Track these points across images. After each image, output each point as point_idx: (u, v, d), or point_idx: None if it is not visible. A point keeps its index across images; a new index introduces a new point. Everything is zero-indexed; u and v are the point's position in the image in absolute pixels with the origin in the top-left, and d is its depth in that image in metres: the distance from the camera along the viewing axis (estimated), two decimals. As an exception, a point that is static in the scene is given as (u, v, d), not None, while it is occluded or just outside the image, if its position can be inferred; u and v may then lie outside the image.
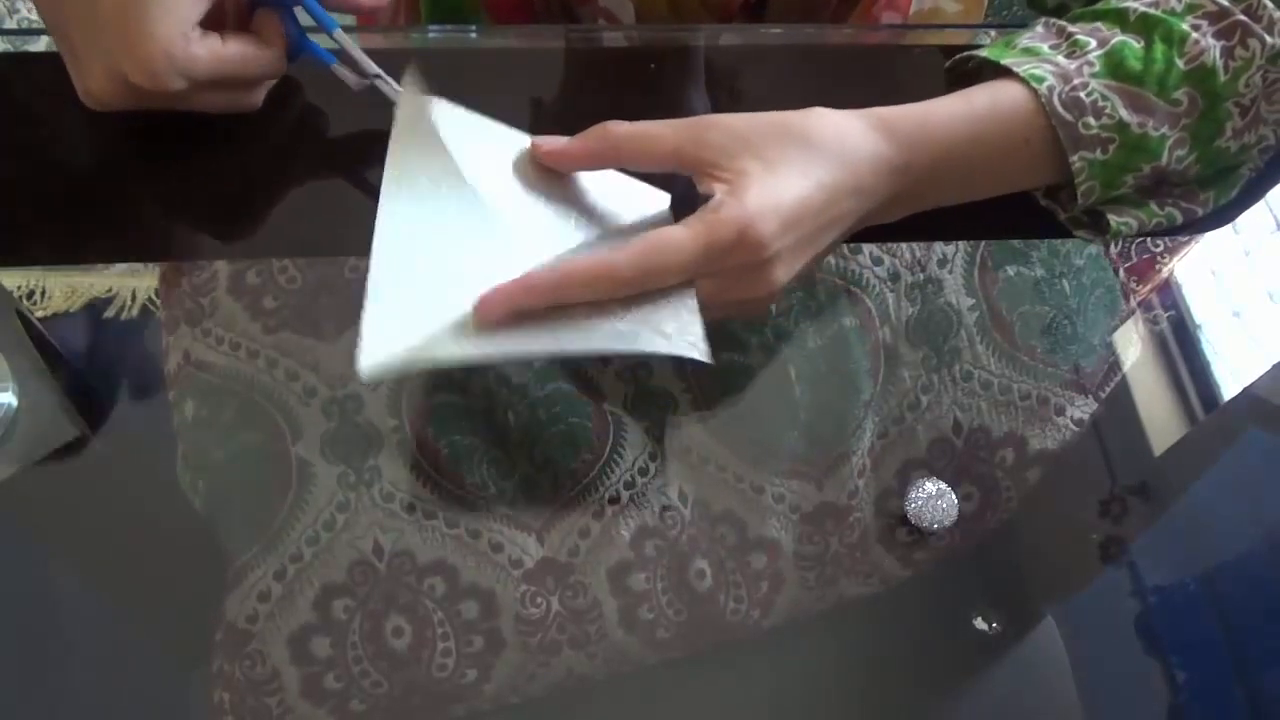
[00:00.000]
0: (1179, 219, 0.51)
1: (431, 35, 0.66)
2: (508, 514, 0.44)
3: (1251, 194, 0.54)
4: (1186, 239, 0.56)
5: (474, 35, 0.61)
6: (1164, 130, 0.48)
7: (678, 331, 0.42)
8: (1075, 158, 0.47)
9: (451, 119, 0.46)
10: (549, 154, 0.46)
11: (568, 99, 0.57)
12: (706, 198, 0.43)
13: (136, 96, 0.46)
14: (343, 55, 0.50)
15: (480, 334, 0.41)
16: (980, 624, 0.44)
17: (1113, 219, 0.50)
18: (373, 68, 0.49)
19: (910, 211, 0.49)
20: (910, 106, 0.48)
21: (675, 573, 0.44)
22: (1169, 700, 0.44)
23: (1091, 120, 0.47)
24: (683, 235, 0.41)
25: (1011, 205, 0.53)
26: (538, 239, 0.45)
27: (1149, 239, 0.55)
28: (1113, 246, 0.55)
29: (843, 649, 0.45)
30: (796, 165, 0.44)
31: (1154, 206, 0.51)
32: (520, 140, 0.47)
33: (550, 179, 0.47)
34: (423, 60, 0.59)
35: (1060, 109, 0.47)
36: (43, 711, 0.40)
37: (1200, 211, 0.52)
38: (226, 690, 0.40)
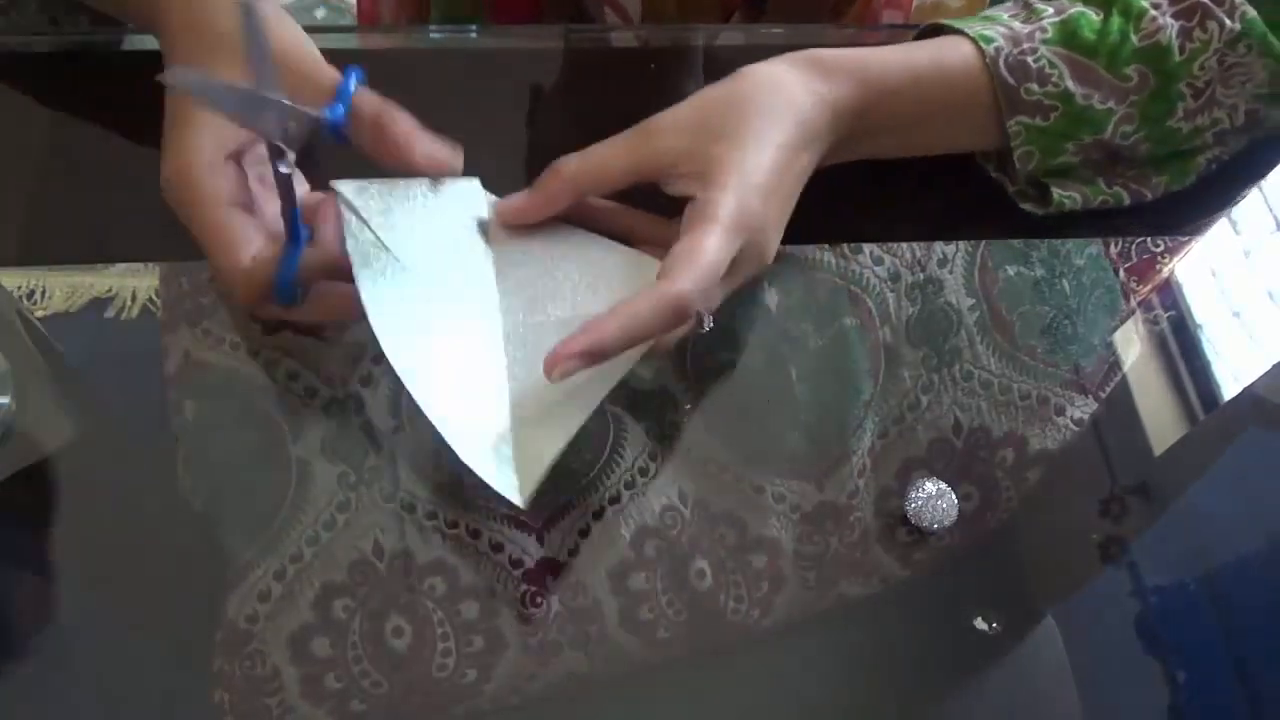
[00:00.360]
0: (1126, 199, 0.52)
1: (432, 35, 0.66)
2: (508, 514, 0.44)
3: (1229, 197, 0.55)
4: (1186, 239, 0.56)
5: (474, 35, 0.61)
6: (1110, 104, 0.48)
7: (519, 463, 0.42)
8: (1013, 121, 0.48)
9: (385, 210, 0.44)
10: (512, 212, 0.46)
11: (568, 99, 0.57)
12: (684, 198, 0.43)
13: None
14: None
15: (571, 397, 0.41)
16: (980, 624, 0.44)
17: (1056, 192, 0.51)
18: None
19: (859, 156, 0.50)
20: (849, 49, 0.48)
21: (675, 573, 0.44)
22: (1169, 700, 0.44)
23: (1035, 86, 0.47)
24: (715, 242, 0.41)
25: (1012, 205, 0.54)
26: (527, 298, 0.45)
27: (1149, 239, 0.55)
28: (1112, 246, 0.55)
29: (843, 649, 0.45)
30: (754, 134, 0.44)
31: (1101, 184, 0.52)
32: (474, 208, 0.47)
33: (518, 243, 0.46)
34: (423, 61, 0.59)
35: (1004, 71, 0.47)
36: (43, 711, 0.40)
37: (1150, 195, 0.52)
38: (226, 690, 0.40)
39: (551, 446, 0.41)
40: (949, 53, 0.49)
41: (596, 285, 0.45)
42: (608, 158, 0.45)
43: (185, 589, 0.43)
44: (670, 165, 0.44)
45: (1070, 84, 0.47)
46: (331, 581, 0.42)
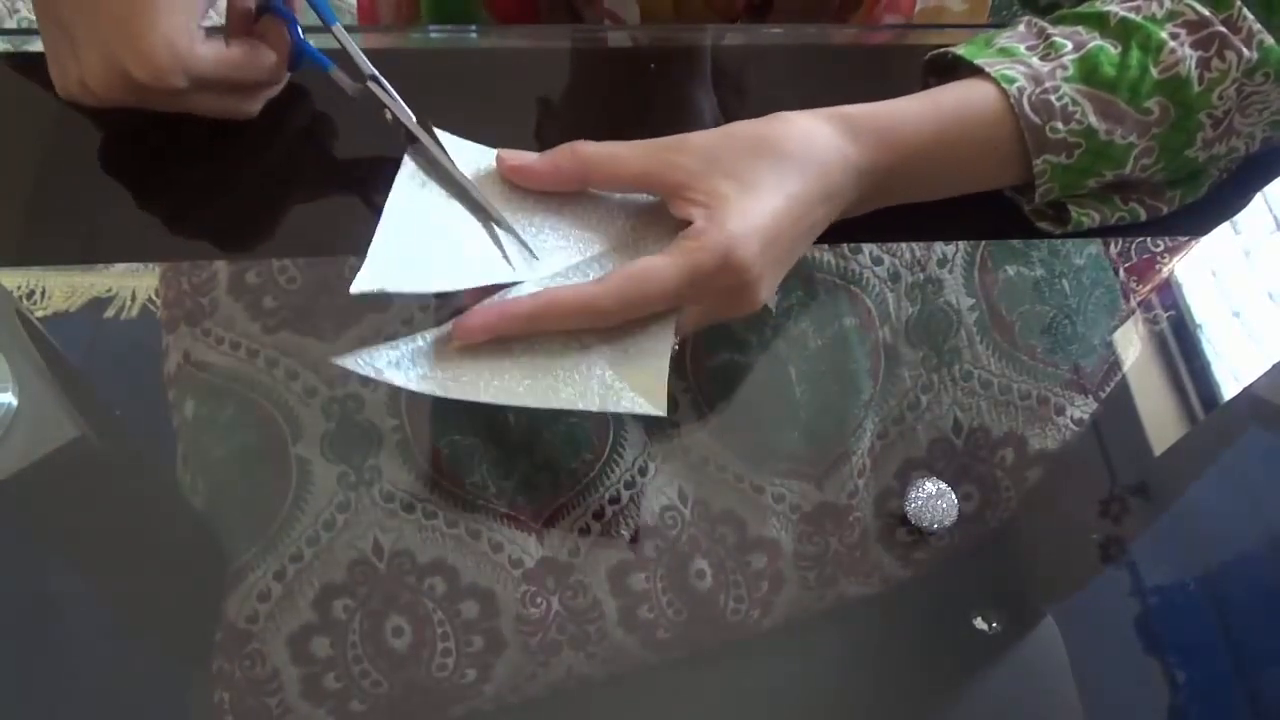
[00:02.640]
0: (1142, 215, 0.52)
1: (432, 35, 0.66)
2: (508, 514, 0.44)
3: (1232, 202, 0.55)
4: (1186, 239, 0.56)
5: (474, 35, 0.61)
6: (1132, 139, 0.48)
7: (638, 386, 0.43)
8: (1039, 160, 0.48)
9: (461, 149, 0.48)
10: (513, 169, 0.46)
11: (569, 100, 0.57)
12: (683, 223, 0.43)
13: (134, 93, 0.46)
14: (341, 56, 0.50)
15: (452, 362, 0.42)
16: (980, 624, 0.44)
17: (1074, 210, 0.51)
18: (369, 68, 0.49)
19: (877, 207, 0.50)
20: (877, 105, 0.48)
21: (675, 573, 0.44)
22: (1169, 700, 0.44)
23: (1060, 125, 0.47)
24: (665, 264, 0.42)
25: (1012, 205, 0.54)
26: (538, 256, 0.46)
27: (1149, 239, 0.55)
28: (1112, 246, 0.55)
29: (843, 649, 0.45)
30: (769, 180, 0.44)
31: (1118, 201, 0.51)
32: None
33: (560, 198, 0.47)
34: (422, 61, 0.59)
35: (1029, 111, 0.47)
36: (43, 711, 0.40)
37: (1165, 209, 0.52)
38: (226, 690, 0.40)
39: (658, 361, 0.43)
40: (972, 97, 0.48)
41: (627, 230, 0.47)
42: (625, 156, 0.45)
43: (185, 589, 0.43)
44: (679, 184, 0.44)
45: (1093, 119, 0.47)
46: (331, 581, 0.42)
